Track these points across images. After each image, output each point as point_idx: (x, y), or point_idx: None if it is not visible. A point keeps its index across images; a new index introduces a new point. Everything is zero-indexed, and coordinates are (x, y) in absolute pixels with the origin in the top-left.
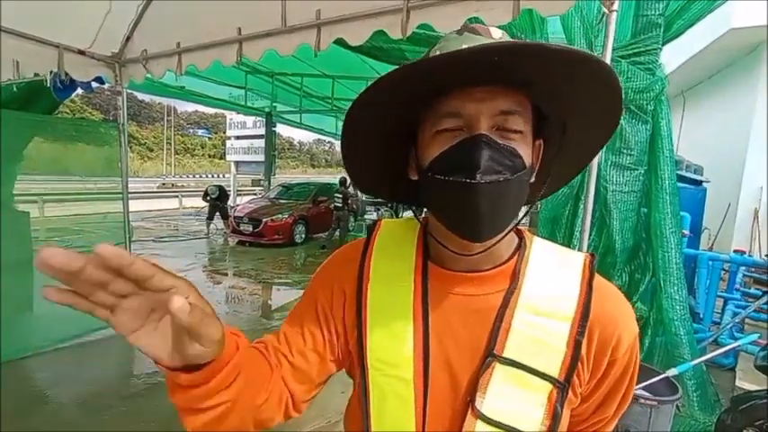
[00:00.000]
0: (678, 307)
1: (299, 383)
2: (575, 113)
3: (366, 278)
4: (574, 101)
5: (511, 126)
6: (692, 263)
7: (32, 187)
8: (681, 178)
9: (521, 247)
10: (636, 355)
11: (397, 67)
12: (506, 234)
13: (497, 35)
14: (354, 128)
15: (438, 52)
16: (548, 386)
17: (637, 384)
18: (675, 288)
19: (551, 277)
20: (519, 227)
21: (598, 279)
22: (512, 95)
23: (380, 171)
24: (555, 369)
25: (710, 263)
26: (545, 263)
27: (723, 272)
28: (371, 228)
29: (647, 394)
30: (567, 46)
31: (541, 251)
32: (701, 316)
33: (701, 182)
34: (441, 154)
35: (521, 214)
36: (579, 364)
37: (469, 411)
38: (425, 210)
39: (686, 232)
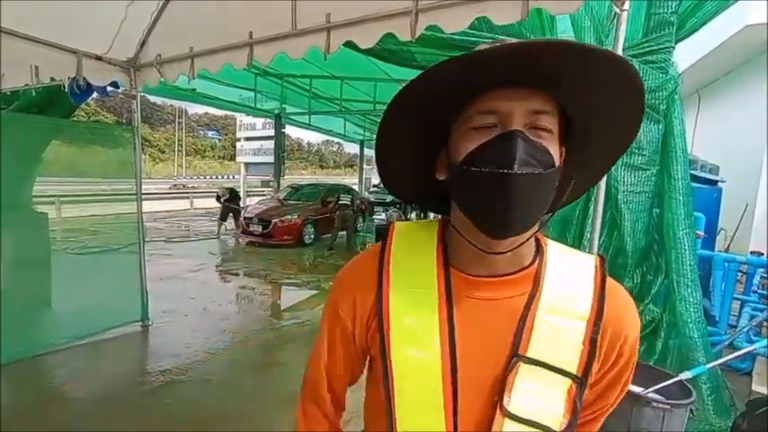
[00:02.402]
0: (692, 309)
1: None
2: (598, 116)
3: (386, 284)
4: (598, 102)
5: (542, 125)
6: (707, 264)
7: (50, 189)
8: (695, 178)
9: (539, 251)
10: (636, 349)
11: (443, 61)
12: (532, 235)
13: None
14: (389, 131)
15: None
16: (567, 382)
17: (650, 387)
18: (689, 290)
19: (568, 279)
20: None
21: (609, 280)
22: (542, 96)
23: (407, 172)
24: (573, 366)
25: (726, 264)
26: (561, 265)
27: (740, 274)
28: (385, 232)
29: (659, 398)
30: (598, 46)
31: (557, 254)
32: (717, 319)
33: (717, 182)
34: (478, 147)
35: (544, 218)
36: (594, 360)
37: (498, 411)
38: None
39: (701, 233)
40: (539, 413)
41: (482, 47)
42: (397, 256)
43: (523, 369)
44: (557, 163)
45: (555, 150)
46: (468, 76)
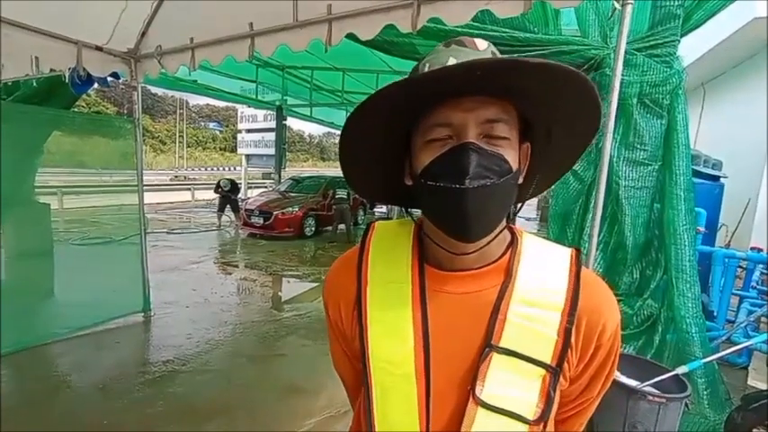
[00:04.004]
0: (690, 304)
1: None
2: (557, 120)
3: (364, 281)
4: (555, 109)
5: (497, 133)
6: (706, 260)
7: (52, 180)
8: (697, 173)
9: (513, 243)
10: (618, 340)
11: (387, 84)
12: (497, 234)
13: (483, 46)
14: (351, 143)
15: (427, 65)
16: (541, 372)
17: (646, 381)
18: (688, 285)
19: (542, 271)
20: (510, 224)
21: (584, 271)
22: (497, 104)
23: (378, 180)
24: (547, 356)
25: (726, 260)
26: (536, 258)
27: (740, 269)
28: (365, 231)
29: (655, 391)
30: (544, 61)
31: (532, 247)
32: (715, 314)
33: (719, 177)
34: (432, 161)
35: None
36: (569, 350)
37: (470, 399)
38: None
39: (701, 229)
40: (512, 402)
41: (438, 56)
42: (375, 255)
43: (496, 359)
44: (514, 167)
45: (512, 155)
46: (413, 94)
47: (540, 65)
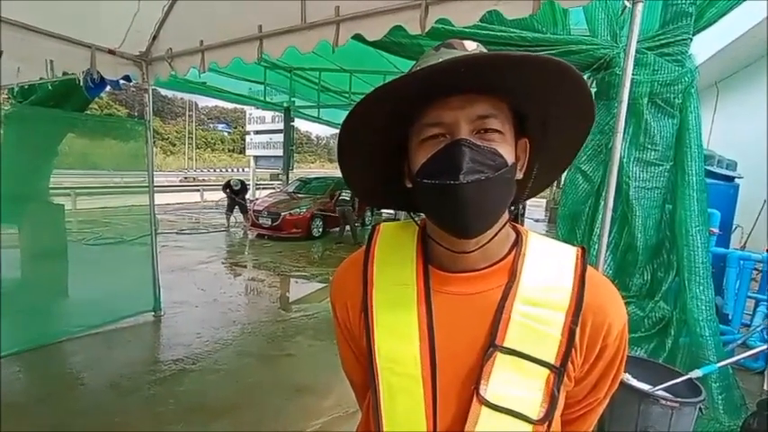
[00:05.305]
0: (704, 307)
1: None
2: (549, 112)
3: (370, 283)
4: (545, 101)
5: (491, 127)
6: (720, 262)
7: (65, 181)
8: (711, 174)
9: (517, 243)
10: (625, 340)
11: (376, 87)
12: (498, 232)
13: (471, 47)
14: (348, 149)
15: (417, 69)
16: (545, 372)
17: (658, 385)
18: (701, 288)
19: (547, 271)
20: (515, 224)
21: (590, 271)
22: (487, 100)
23: (379, 184)
24: (551, 356)
25: (741, 262)
26: (540, 257)
27: (755, 272)
28: (371, 233)
29: (668, 395)
30: (526, 54)
31: (537, 246)
32: (730, 317)
33: (734, 177)
34: (427, 160)
35: (507, 213)
36: (573, 350)
37: (474, 399)
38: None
39: (715, 230)
40: (516, 402)
41: (428, 59)
42: (380, 256)
43: (500, 359)
44: (509, 161)
45: (507, 149)
46: (404, 97)
47: (523, 58)
